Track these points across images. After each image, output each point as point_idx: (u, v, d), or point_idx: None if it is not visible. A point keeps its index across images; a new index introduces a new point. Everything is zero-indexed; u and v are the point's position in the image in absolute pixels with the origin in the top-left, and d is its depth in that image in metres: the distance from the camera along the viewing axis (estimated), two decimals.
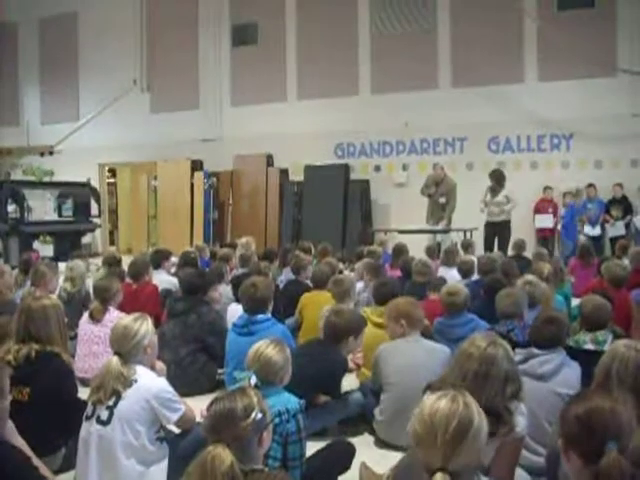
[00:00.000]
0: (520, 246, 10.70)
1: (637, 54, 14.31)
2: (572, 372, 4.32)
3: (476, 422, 2.41)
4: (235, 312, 6.44)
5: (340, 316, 5.24)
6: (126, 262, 8.86)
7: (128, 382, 3.83)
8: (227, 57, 18.97)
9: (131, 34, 19.88)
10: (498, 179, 13.39)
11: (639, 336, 6.23)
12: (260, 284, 5.88)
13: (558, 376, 4.26)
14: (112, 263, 9.39)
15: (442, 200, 13.42)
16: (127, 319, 4.13)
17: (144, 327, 4.06)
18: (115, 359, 3.91)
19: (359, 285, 8.25)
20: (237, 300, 6.74)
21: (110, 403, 3.80)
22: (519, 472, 3.66)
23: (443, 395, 2.50)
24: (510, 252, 11.35)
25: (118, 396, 3.80)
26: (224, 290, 7.78)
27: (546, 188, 14.96)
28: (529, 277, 6.71)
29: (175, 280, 8.15)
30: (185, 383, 5.62)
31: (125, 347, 3.97)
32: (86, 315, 6.51)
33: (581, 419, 2.53)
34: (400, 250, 10.13)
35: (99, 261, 10.23)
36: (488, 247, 13.04)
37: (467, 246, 11.19)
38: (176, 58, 19.24)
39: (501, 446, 2.57)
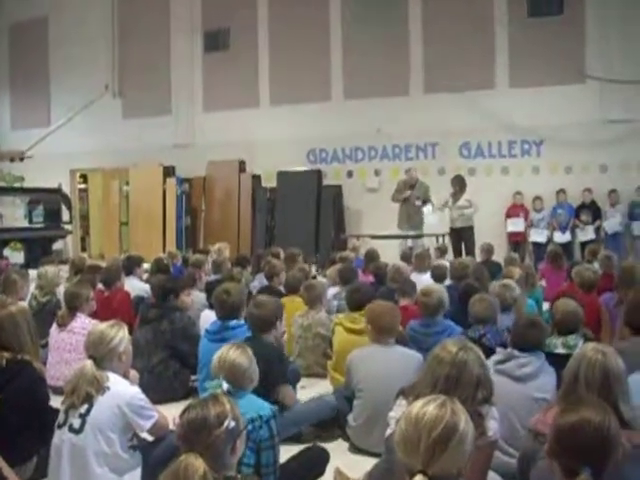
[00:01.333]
0: (488, 251, 10.78)
1: (605, 61, 14.47)
2: (549, 378, 4.36)
3: (461, 429, 2.41)
4: (208, 318, 6.44)
5: (263, 307, 5.25)
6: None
7: (101, 387, 3.81)
8: (199, 63, 18.92)
9: (103, 39, 19.76)
10: (460, 184, 13.61)
11: (609, 340, 6.30)
12: (233, 290, 5.87)
13: (536, 380, 4.31)
14: (80, 269, 9.35)
15: (418, 203, 13.43)
16: (103, 325, 4.12)
17: (120, 334, 4.05)
18: (89, 363, 3.89)
19: (332, 291, 8.27)
20: (211, 306, 6.72)
21: (82, 411, 3.77)
22: (492, 475, 3.68)
23: (432, 400, 2.50)
24: (479, 257, 11.43)
25: (90, 404, 3.77)
26: (197, 297, 7.77)
27: (516, 194, 15.09)
28: (504, 281, 6.76)
29: (147, 287, 8.11)
30: (158, 390, 5.59)
31: (100, 352, 3.95)
32: (55, 322, 6.46)
33: (565, 434, 2.56)
34: (372, 255, 10.17)
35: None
36: (457, 253, 13.17)
37: (442, 251, 11.28)
38: (148, 63, 19.14)
39: (473, 450, 2.58)
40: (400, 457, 2.43)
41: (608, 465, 2.51)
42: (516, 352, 4.39)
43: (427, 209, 13.37)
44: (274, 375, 4.86)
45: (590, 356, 3.37)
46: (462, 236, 13.51)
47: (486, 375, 3.52)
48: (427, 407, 2.46)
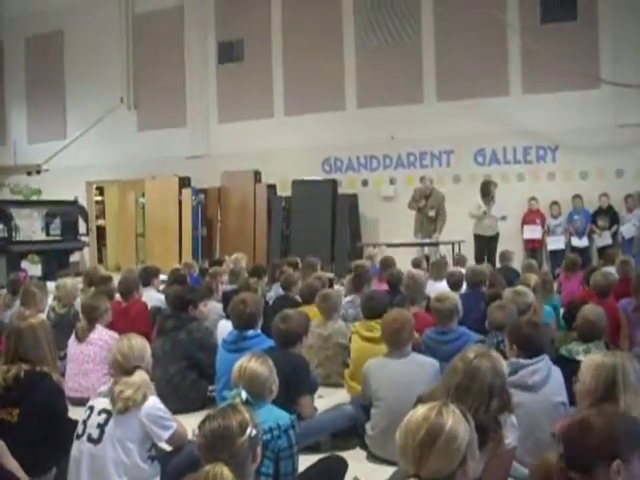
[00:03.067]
0: (507, 257, 10.73)
1: (620, 65, 14.42)
2: (558, 378, 4.35)
3: (447, 428, 2.41)
4: (225, 328, 6.45)
5: (290, 321, 5.27)
6: (115, 280, 8.85)
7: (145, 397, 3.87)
8: (213, 74, 19.02)
9: (117, 52, 19.92)
10: (491, 190, 13.52)
11: (627, 345, 6.27)
12: (249, 300, 5.88)
13: (548, 384, 4.28)
14: (94, 280, 9.38)
15: (432, 213, 13.44)
16: (132, 338, 4.18)
17: (148, 348, 4.15)
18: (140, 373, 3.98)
19: (346, 299, 8.26)
20: (227, 316, 6.74)
21: (101, 421, 3.79)
22: None
23: (426, 405, 2.53)
24: (498, 264, 11.38)
25: (109, 414, 3.79)
26: (214, 307, 7.78)
27: (531, 199, 15.02)
28: (518, 287, 6.72)
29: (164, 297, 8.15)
30: (175, 400, 5.60)
31: (129, 365, 4.01)
32: (74, 334, 6.50)
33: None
34: (387, 263, 10.15)
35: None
36: (479, 259, 13.09)
37: (460, 261, 11.20)
38: (163, 75, 19.26)
39: (491, 458, 2.57)
40: (399, 464, 2.47)
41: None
42: (523, 360, 4.34)
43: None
44: (299, 384, 4.89)
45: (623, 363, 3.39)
46: (489, 244, 13.41)
47: (502, 383, 3.49)
48: (416, 412, 2.50)
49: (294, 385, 4.84)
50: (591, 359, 3.51)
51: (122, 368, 4.03)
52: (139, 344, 4.12)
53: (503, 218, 13.67)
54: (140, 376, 3.96)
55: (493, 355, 3.57)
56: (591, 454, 2.43)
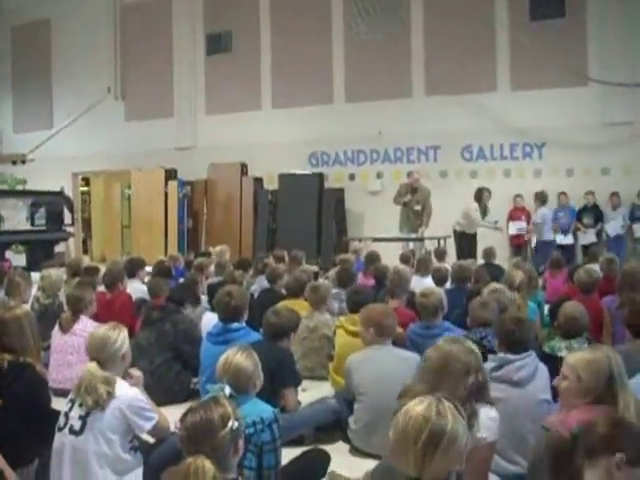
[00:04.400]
0: (490, 254, 10.77)
1: (607, 64, 14.46)
2: (544, 375, 4.35)
3: (449, 429, 2.40)
4: (210, 321, 6.45)
5: (281, 316, 5.29)
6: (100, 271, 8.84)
7: (113, 388, 3.83)
8: (201, 65, 18.96)
9: (105, 42, 19.82)
10: (484, 197, 13.62)
11: (610, 342, 6.31)
12: (235, 293, 5.88)
13: (534, 381, 4.27)
14: (77, 271, 9.38)
15: (417, 207, 13.49)
16: (104, 328, 4.14)
17: (122, 336, 4.08)
18: (94, 365, 3.91)
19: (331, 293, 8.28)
20: (212, 309, 6.74)
21: (83, 413, 3.78)
22: (493, 478, 3.68)
23: (419, 402, 2.50)
24: (481, 260, 11.43)
25: (97, 406, 3.78)
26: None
27: (516, 196, 15.05)
28: (496, 285, 6.73)
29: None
30: (159, 392, 5.57)
31: (103, 355, 3.97)
32: (57, 325, 6.48)
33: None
34: (372, 258, 10.17)
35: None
36: (462, 256, 13.12)
37: (441, 254, 11.26)
38: (150, 66, 19.19)
39: (471, 451, 2.57)
40: (395, 465, 2.43)
41: None
42: (510, 356, 4.31)
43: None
44: (284, 376, 4.90)
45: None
46: (472, 241, 13.50)
47: (477, 362, 3.51)
48: (412, 412, 2.46)
49: (278, 377, 4.85)
50: (582, 356, 3.52)
51: (90, 354, 4.03)
52: (109, 335, 4.08)
53: (497, 227, 13.72)
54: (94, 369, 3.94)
55: (463, 339, 3.67)
56: (600, 441, 2.50)
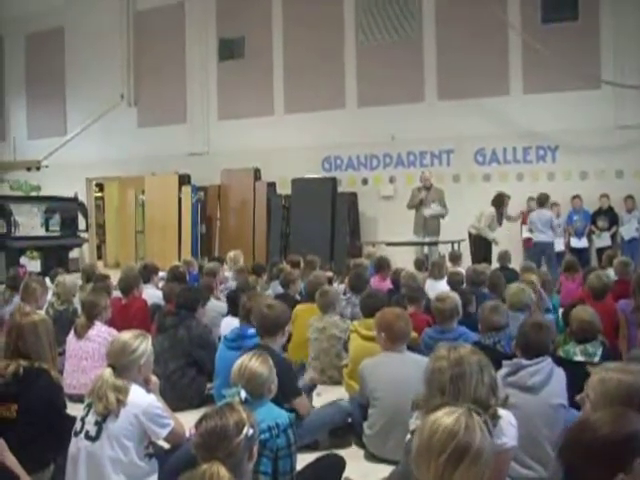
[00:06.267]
0: (505, 257, 10.72)
1: (620, 66, 14.42)
2: (560, 379, 4.31)
3: (476, 445, 2.33)
4: (228, 325, 6.48)
5: (274, 309, 5.22)
6: (114, 277, 8.85)
7: (126, 395, 3.82)
8: (214, 71, 19.01)
9: (118, 48, 19.91)
10: (505, 202, 13.39)
11: (625, 346, 6.27)
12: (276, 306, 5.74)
13: (548, 386, 4.23)
14: (91, 276, 9.41)
15: (427, 212, 13.34)
16: (129, 334, 4.13)
17: (143, 346, 4.07)
18: (108, 371, 3.91)
19: (344, 298, 8.29)
20: (233, 314, 6.77)
21: (99, 418, 3.78)
22: None
23: (448, 413, 2.43)
24: (495, 264, 11.38)
25: (107, 413, 3.78)
26: (212, 304, 7.79)
27: (530, 199, 14.96)
28: (519, 285, 6.76)
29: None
30: (174, 398, 5.58)
31: (120, 362, 3.97)
32: (72, 331, 6.49)
33: None
34: (382, 263, 10.11)
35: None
36: (476, 259, 13.04)
37: (455, 258, 11.22)
38: (163, 72, 19.28)
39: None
40: (415, 474, 2.39)
41: None
42: (524, 361, 4.29)
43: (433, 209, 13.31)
44: (289, 388, 4.85)
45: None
46: (483, 244, 13.37)
47: (486, 360, 3.49)
48: (440, 422, 2.39)
49: (283, 390, 4.80)
50: (610, 377, 3.11)
51: (109, 359, 4.04)
52: (130, 343, 4.07)
53: (495, 243, 13.54)
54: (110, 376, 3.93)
55: (464, 344, 3.69)
56: (591, 464, 2.35)
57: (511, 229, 14.57)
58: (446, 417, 2.41)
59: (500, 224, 13.30)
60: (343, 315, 7.51)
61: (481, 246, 13.27)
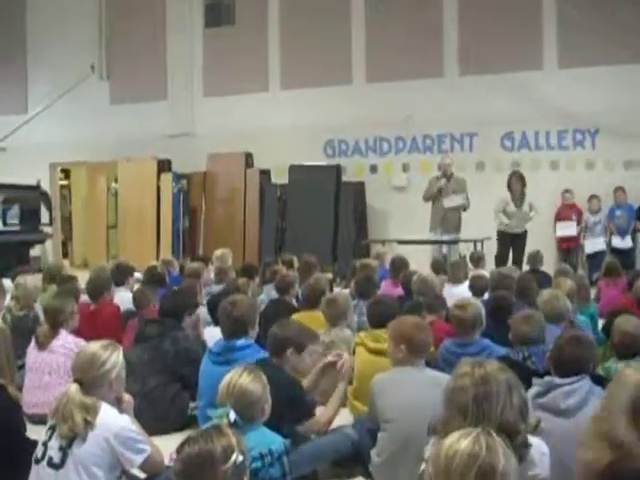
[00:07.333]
0: (536, 259, 10.71)
1: None
2: (598, 402, 4.28)
3: (500, 468, 2.34)
4: (212, 336, 6.45)
5: (281, 327, 5.26)
6: (82, 278, 8.85)
7: (95, 416, 3.82)
8: (199, 40, 18.99)
9: (88, 14, 19.86)
10: (523, 183, 13.46)
11: None
12: (241, 303, 5.84)
13: (584, 409, 4.16)
14: (55, 277, 9.39)
15: (446, 203, 13.32)
16: (96, 345, 4.13)
17: (114, 357, 4.07)
18: (74, 387, 3.91)
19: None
20: (216, 322, 6.74)
21: (63, 443, 3.78)
22: None
23: (464, 435, 2.45)
24: (525, 266, 11.38)
25: (74, 435, 3.78)
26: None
27: (565, 192, 14.98)
28: (552, 291, 6.75)
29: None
30: (152, 419, 5.56)
31: (88, 376, 3.97)
32: (34, 341, 6.48)
33: None
34: (400, 264, 10.12)
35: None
36: (502, 261, 13.03)
37: (477, 259, 11.20)
38: (141, 40, 19.22)
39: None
40: None
41: None
42: (557, 380, 4.25)
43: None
44: (298, 411, 4.85)
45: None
46: (515, 243, 13.39)
47: (515, 379, 3.49)
48: (458, 445, 2.40)
49: (290, 413, 4.79)
50: None
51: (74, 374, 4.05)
52: (99, 354, 4.08)
53: (531, 210, 13.58)
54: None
55: (489, 360, 3.64)
56: None
57: (542, 225, 14.54)
58: (463, 439, 2.42)
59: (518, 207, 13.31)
60: (350, 326, 7.48)
61: (513, 244, 13.26)
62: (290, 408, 4.76)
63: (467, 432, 2.46)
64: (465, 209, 13.48)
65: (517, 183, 13.60)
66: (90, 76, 19.80)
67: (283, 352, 5.15)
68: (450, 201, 13.26)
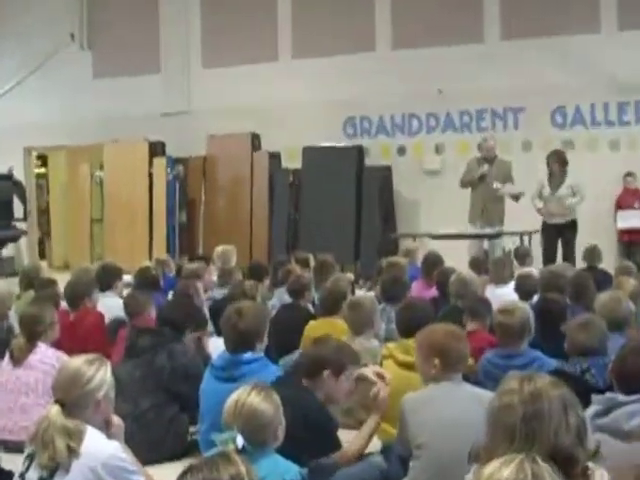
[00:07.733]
0: (594, 255, 10.68)
1: None
2: None
3: None
4: (215, 349, 6.46)
5: (318, 345, 5.28)
6: (63, 282, 8.89)
7: (80, 441, 3.83)
8: (196, 3, 19.01)
9: None
10: (562, 163, 13.33)
11: None
12: (247, 311, 5.85)
13: None
14: (33, 281, 9.42)
15: (497, 186, 13.21)
16: (80, 360, 4.13)
17: (101, 374, 4.07)
18: (55, 409, 3.92)
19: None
20: (219, 333, 6.74)
21: (44, 475, 3.79)
22: None
23: (506, 462, 2.45)
24: (581, 263, 11.35)
25: (56, 465, 3.80)
26: None
27: (627, 175, 14.92)
28: (613, 293, 6.74)
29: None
30: (146, 445, 5.57)
31: (71, 396, 3.97)
32: (7, 356, 6.51)
33: None
34: (434, 262, 10.12)
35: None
36: (548, 258, 12.94)
37: (524, 256, 11.17)
38: (129, 4, 19.26)
39: None
40: None
41: None
42: (620, 397, 4.23)
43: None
44: (326, 443, 4.86)
45: None
46: (562, 235, 13.27)
47: (571, 396, 3.49)
48: (500, 475, 2.41)
49: (315, 444, 4.79)
50: None
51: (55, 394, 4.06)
52: (83, 371, 4.09)
53: (575, 195, 13.45)
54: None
55: (540, 374, 3.60)
56: None
57: (600, 215, 14.49)
58: (505, 468, 2.44)
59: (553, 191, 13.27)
60: (377, 335, 7.47)
61: (562, 237, 13.17)
62: (315, 437, 4.77)
63: (510, 459, 2.47)
64: (518, 198, 13.37)
65: (554, 163, 13.46)
66: (69, 46, 19.85)
67: (319, 374, 5.13)
68: (502, 186, 13.12)
